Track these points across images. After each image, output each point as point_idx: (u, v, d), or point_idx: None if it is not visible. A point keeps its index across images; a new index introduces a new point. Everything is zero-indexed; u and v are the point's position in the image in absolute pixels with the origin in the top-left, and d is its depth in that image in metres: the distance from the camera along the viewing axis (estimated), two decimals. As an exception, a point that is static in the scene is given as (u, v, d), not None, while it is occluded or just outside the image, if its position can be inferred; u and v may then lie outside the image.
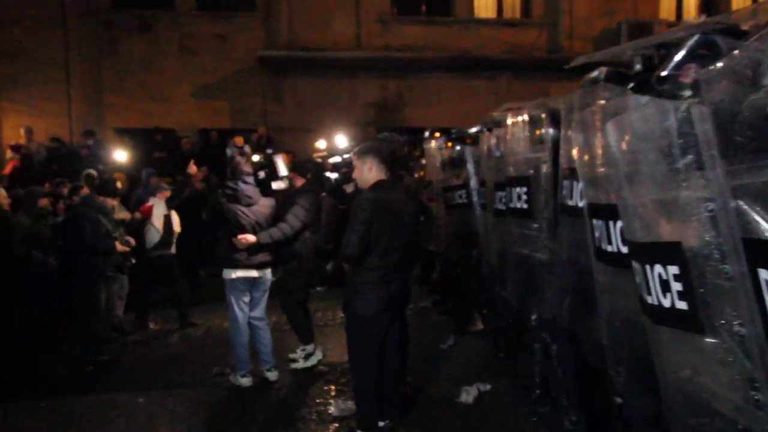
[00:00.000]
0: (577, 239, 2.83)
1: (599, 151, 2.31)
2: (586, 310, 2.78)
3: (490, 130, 4.57)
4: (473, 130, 5.32)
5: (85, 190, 6.24)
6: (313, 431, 4.05)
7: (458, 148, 5.78)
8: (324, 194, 5.08)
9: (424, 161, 7.43)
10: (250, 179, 4.73)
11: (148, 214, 6.37)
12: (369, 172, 3.61)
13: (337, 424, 4.09)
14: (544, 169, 3.40)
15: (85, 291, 5.28)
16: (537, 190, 3.51)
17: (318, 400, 4.50)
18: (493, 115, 4.54)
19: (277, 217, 4.86)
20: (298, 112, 11.97)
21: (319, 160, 7.39)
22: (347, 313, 3.73)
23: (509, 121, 3.94)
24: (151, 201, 6.52)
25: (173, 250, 6.61)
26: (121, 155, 8.98)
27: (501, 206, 4.21)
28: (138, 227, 6.27)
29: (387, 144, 4.03)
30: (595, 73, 2.52)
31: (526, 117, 3.69)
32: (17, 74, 11.32)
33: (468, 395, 4.38)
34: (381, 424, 3.68)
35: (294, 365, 5.13)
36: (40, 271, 5.50)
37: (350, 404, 4.16)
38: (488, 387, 4.52)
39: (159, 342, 6.26)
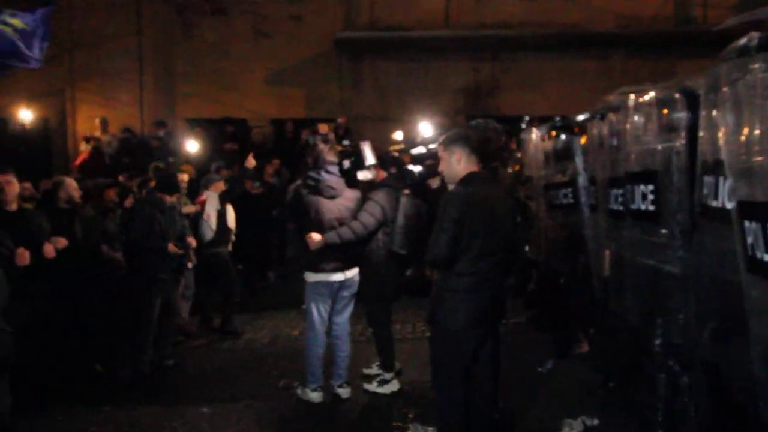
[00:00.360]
0: (721, 248, 2.53)
1: (757, 135, 2.03)
2: (732, 335, 2.48)
3: (603, 117, 4.26)
4: (582, 117, 5.03)
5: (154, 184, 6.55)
6: None
7: (563, 138, 5.50)
8: (406, 191, 4.97)
9: (520, 154, 7.16)
10: (334, 169, 4.65)
11: (201, 209, 6.48)
12: (457, 164, 3.44)
13: None
14: (678, 161, 3.08)
15: (139, 292, 5.41)
16: (668, 188, 3.19)
17: (395, 424, 4.38)
18: (607, 100, 4.24)
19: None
20: (378, 100, 12.01)
21: (396, 153, 7.32)
22: (432, 326, 3.58)
23: (630, 104, 3.64)
24: (205, 194, 6.57)
25: (229, 248, 6.75)
26: (192, 147, 9.41)
27: (617, 207, 3.90)
28: (194, 223, 6.39)
29: (479, 132, 3.81)
30: (743, 41, 2.23)
31: (653, 98, 3.38)
32: (92, 64, 12.19)
33: (571, 429, 4.12)
34: None
35: (367, 386, 5.04)
36: (109, 267, 5.78)
37: (431, 430, 4.03)
38: (596, 422, 4.22)
39: (224, 348, 6.41)
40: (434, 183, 7.00)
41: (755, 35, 2.19)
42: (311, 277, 4.64)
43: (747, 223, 2.20)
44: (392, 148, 6.77)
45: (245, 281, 7.77)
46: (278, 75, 12.21)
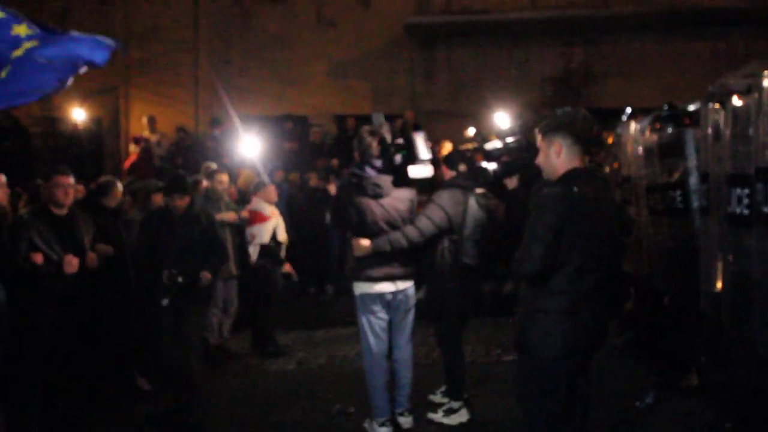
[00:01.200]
0: None
1: None
2: None
3: (722, 103, 3.88)
4: (693, 106, 4.65)
5: (206, 185, 6.68)
6: None
7: (670, 131, 5.12)
8: (478, 191, 4.74)
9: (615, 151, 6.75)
10: (380, 164, 4.45)
11: (252, 219, 6.53)
12: (556, 157, 3.07)
13: None
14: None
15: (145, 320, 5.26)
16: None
17: None
18: (727, 82, 3.87)
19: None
20: (453, 93, 11.81)
21: (468, 153, 7.09)
22: (520, 354, 3.25)
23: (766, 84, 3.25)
24: (254, 202, 6.64)
25: (281, 259, 6.76)
26: (249, 147, 9.51)
27: (742, 210, 3.52)
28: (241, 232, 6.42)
29: (583, 120, 3.38)
30: None
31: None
32: (147, 58, 12.68)
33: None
34: None
35: (431, 415, 4.86)
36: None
37: None
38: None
39: (273, 369, 6.37)
40: (511, 183, 6.72)
41: None
42: (358, 288, 4.51)
43: None
44: (464, 145, 6.53)
45: (301, 295, 7.78)
46: (342, 67, 12.26)
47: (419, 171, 4.48)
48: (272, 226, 6.58)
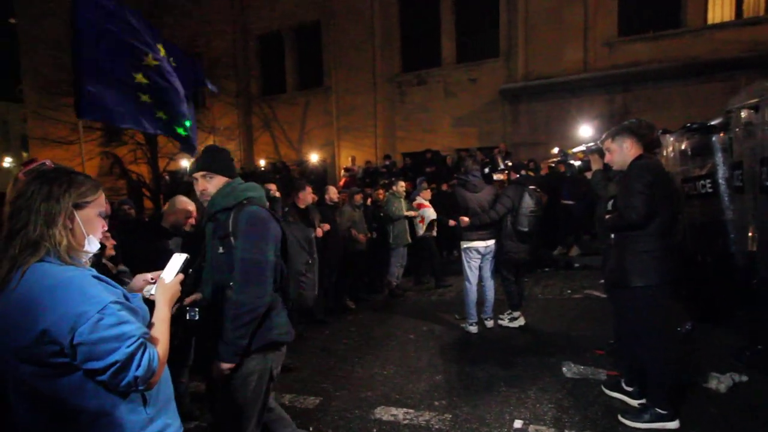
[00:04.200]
0: None
1: None
2: None
3: (756, 108, 3.15)
4: (714, 122, 3.90)
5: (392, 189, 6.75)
6: (546, 383, 3.36)
7: (698, 138, 4.30)
8: (531, 187, 4.56)
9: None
10: (477, 173, 4.56)
11: (419, 207, 6.54)
12: (629, 150, 2.64)
13: (570, 385, 3.30)
14: None
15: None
16: None
17: (550, 360, 3.74)
18: (762, 88, 3.12)
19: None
20: (531, 130, 10.95)
21: (552, 164, 6.60)
22: (623, 290, 2.70)
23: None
24: (418, 199, 6.65)
25: (434, 233, 6.67)
26: (410, 170, 9.50)
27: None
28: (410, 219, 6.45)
29: (645, 126, 3.03)
30: None
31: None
32: (348, 125, 13.18)
33: (719, 383, 3.07)
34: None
35: (500, 321, 4.73)
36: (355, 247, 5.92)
37: (582, 369, 3.49)
38: (745, 378, 3.12)
39: (431, 299, 6.25)
40: (589, 176, 6.22)
41: None
42: (464, 244, 4.54)
43: None
44: (548, 160, 6.12)
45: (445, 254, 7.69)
46: (459, 119, 11.86)
47: (498, 176, 4.79)
48: (430, 211, 6.53)
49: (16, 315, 1.04)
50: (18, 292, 1.05)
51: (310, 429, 2.90)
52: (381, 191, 6.86)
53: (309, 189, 4.73)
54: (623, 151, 2.67)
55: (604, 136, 2.84)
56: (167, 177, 13.61)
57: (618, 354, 3.43)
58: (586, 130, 6.39)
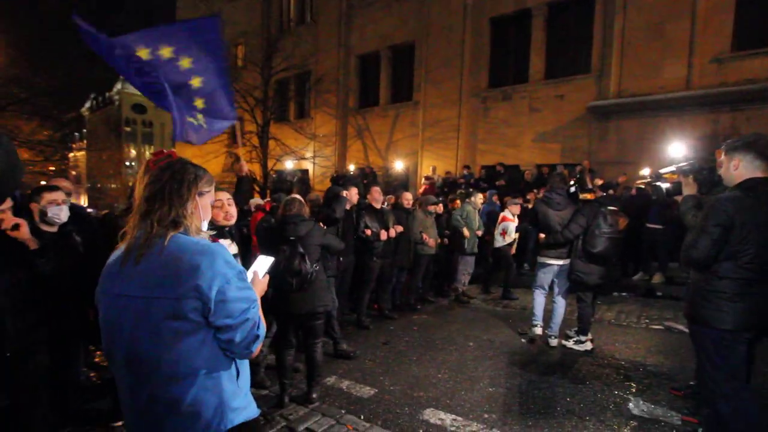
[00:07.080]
0: None
1: None
2: None
3: None
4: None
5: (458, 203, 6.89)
6: (608, 417, 2.98)
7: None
8: (610, 207, 4.25)
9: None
10: (562, 191, 4.43)
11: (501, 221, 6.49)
12: (734, 170, 2.26)
13: (636, 423, 2.88)
14: None
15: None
16: None
17: (616, 393, 3.37)
18: None
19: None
20: (619, 148, 10.21)
21: (643, 185, 6.12)
22: (695, 325, 2.39)
23: None
24: (505, 211, 6.55)
25: (513, 250, 6.64)
26: (482, 182, 9.51)
27: None
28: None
29: (766, 142, 2.47)
30: None
31: None
32: (432, 137, 13.47)
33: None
34: None
35: (564, 342, 4.47)
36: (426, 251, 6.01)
37: (653, 408, 3.10)
38: None
39: (496, 309, 6.06)
40: (680, 198, 5.74)
41: None
42: (539, 259, 4.50)
43: None
44: (639, 181, 5.69)
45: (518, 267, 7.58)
46: (542, 135, 11.47)
47: (585, 195, 4.44)
48: (514, 225, 6.49)
49: (170, 272, 1.14)
50: (167, 254, 1.16)
51: (361, 417, 2.92)
52: (457, 201, 6.93)
53: (355, 190, 4.75)
54: (729, 170, 2.28)
55: (723, 145, 2.40)
56: (274, 175, 15.20)
57: (699, 399, 2.94)
58: (679, 150, 5.73)
